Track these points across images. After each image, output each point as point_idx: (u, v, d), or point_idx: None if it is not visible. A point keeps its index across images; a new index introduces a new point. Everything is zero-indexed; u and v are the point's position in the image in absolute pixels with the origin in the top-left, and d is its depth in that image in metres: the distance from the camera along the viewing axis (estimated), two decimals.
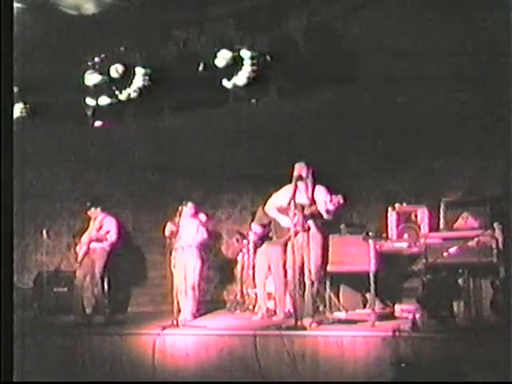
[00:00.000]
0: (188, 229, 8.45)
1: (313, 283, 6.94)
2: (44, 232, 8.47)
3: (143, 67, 7.15)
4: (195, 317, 8.32)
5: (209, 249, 9.50)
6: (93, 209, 8.73)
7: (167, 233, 8.08)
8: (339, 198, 6.86)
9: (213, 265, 10.16)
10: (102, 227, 8.60)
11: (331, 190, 7.13)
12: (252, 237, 9.19)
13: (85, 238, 8.68)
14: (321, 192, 7.16)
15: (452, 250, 6.40)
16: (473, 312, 6.44)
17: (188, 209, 8.55)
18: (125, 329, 7.62)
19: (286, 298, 8.09)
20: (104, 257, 8.50)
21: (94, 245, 8.60)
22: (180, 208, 8.08)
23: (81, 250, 8.66)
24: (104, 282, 8.48)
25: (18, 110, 7.57)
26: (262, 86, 6.89)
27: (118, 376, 6.88)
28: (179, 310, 7.85)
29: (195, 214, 8.74)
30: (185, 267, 8.22)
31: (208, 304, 9.07)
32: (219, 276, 10.60)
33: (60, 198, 10.10)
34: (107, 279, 8.58)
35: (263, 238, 8.65)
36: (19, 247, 8.77)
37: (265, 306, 8.52)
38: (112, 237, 8.61)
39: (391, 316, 7.22)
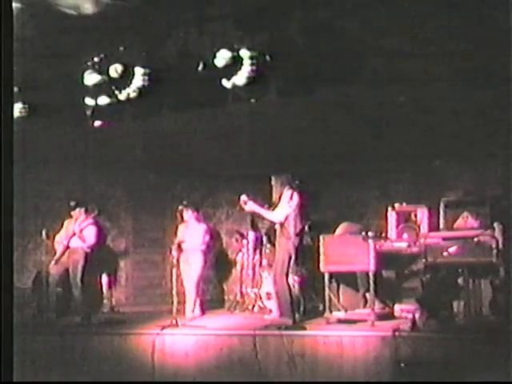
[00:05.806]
0: (193, 233, 8.64)
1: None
2: (43, 232, 8.44)
3: (142, 67, 7.13)
4: (200, 315, 8.46)
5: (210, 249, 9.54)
6: (77, 209, 8.72)
7: (178, 240, 8.36)
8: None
9: (212, 265, 10.15)
10: (83, 228, 8.59)
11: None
12: (251, 237, 9.23)
13: (63, 237, 8.66)
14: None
15: (452, 249, 6.42)
16: (472, 312, 6.45)
17: (189, 214, 8.69)
18: (124, 328, 7.62)
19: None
20: (84, 258, 8.49)
21: (74, 244, 8.58)
22: (178, 211, 8.33)
23: (59, 247, 8.64)
24: (83, 283, 8.45)
25: (17, 109, 7.55)
26: (261, 86, 6.87)
27: (118, 376, 6.88)
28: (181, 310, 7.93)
29: (198, 218, 8.85)
30: (189, 268, 8.50)
31: (208, 304, 9.07)
32: (219, 276, 10.60)
33: (59, 198, 10.09)
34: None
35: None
36: (19, 247, 8.77)
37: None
38: (91, 239, 8.60)
39: (391, 316, 7.21)
